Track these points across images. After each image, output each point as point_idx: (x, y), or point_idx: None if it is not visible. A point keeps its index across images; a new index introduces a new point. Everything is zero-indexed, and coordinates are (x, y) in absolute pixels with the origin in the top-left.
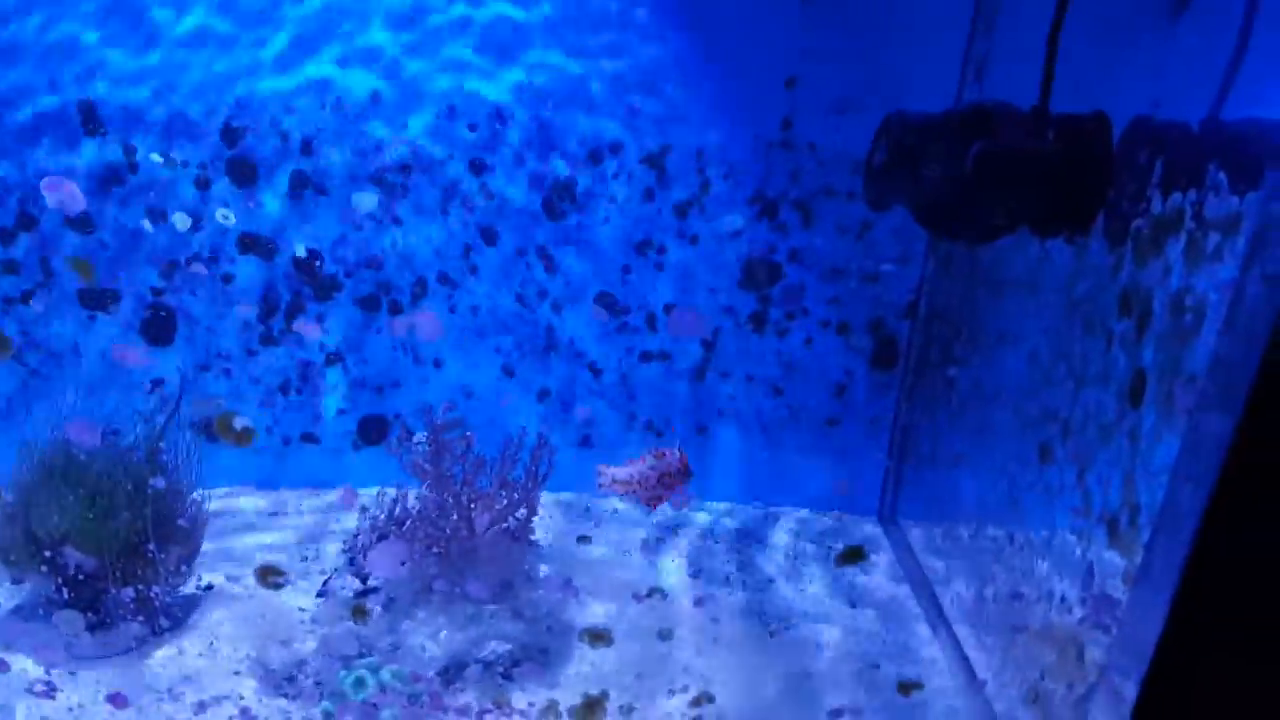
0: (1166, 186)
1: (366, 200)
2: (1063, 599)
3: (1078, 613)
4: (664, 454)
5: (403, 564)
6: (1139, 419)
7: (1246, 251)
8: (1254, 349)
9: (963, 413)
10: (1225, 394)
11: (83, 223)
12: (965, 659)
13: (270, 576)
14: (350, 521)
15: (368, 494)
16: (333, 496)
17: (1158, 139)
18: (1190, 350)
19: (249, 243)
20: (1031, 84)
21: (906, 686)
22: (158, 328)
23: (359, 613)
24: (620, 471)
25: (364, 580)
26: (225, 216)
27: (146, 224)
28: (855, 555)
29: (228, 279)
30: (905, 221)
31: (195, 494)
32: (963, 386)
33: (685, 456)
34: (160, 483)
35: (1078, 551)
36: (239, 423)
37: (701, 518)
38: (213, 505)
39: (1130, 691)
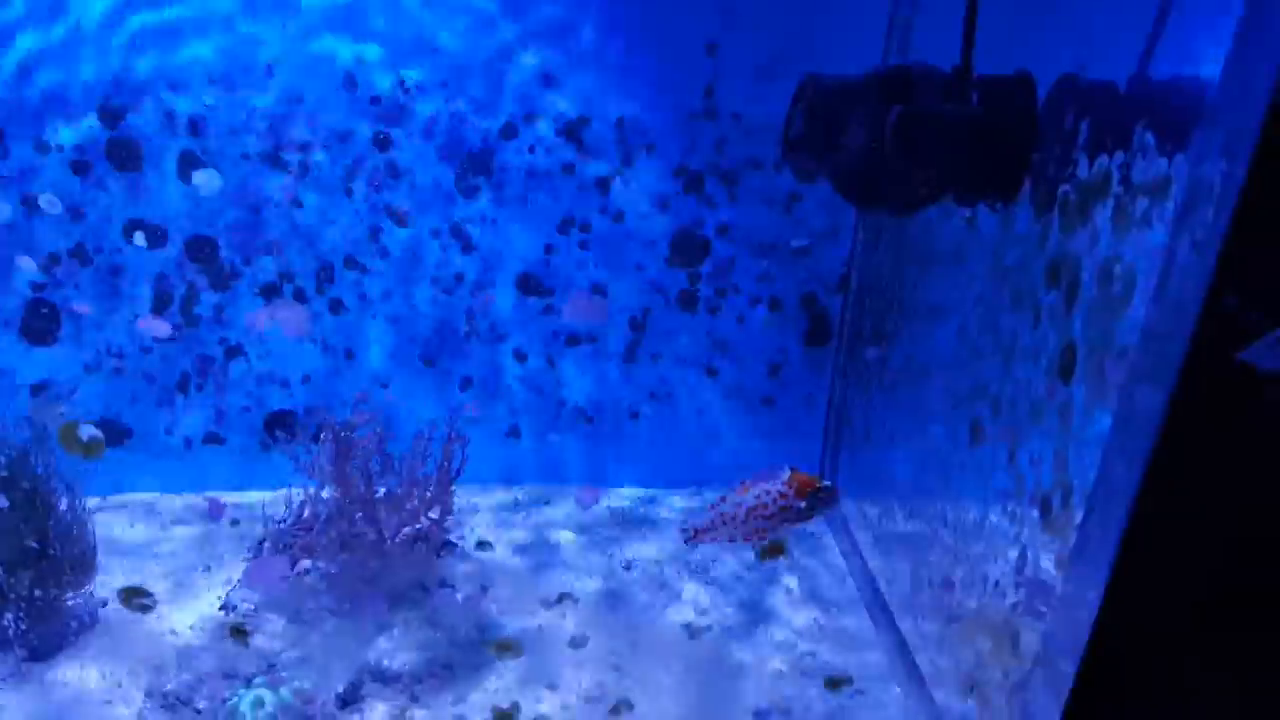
0: (1093, 149)
1: (208, 179)
2: (996, 584)
3: (1011, 598)
4: (747, 486)
5: (285, 578)
6: (1070, 395)
7: (1176, 216)
8: (1185, 320)
9: (895, 389)
10: (1157, 367)
11: None
12: (904, 645)
13: (135, 598)
14: (258, 527)
15: (276, 495)
16: (236, 498)
17: (1084, 99)
18: (1121, 322)
19: (135, 229)
20: (957, 46)
21: (836, 681)
22: (40, 325)
23: (238, 633)
24: (699, 521)
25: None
26: (51, 203)
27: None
28: (775, 550)
29: (116, 270)
30: (834, 193)
31: (66, 509)
32: (894, 362)
33: (801, 479)
34: (2, 501)
35: (1010, 534)
36: (85, 432)
37: (631, 507)
38: (108, 514)
39: (1066, 677)
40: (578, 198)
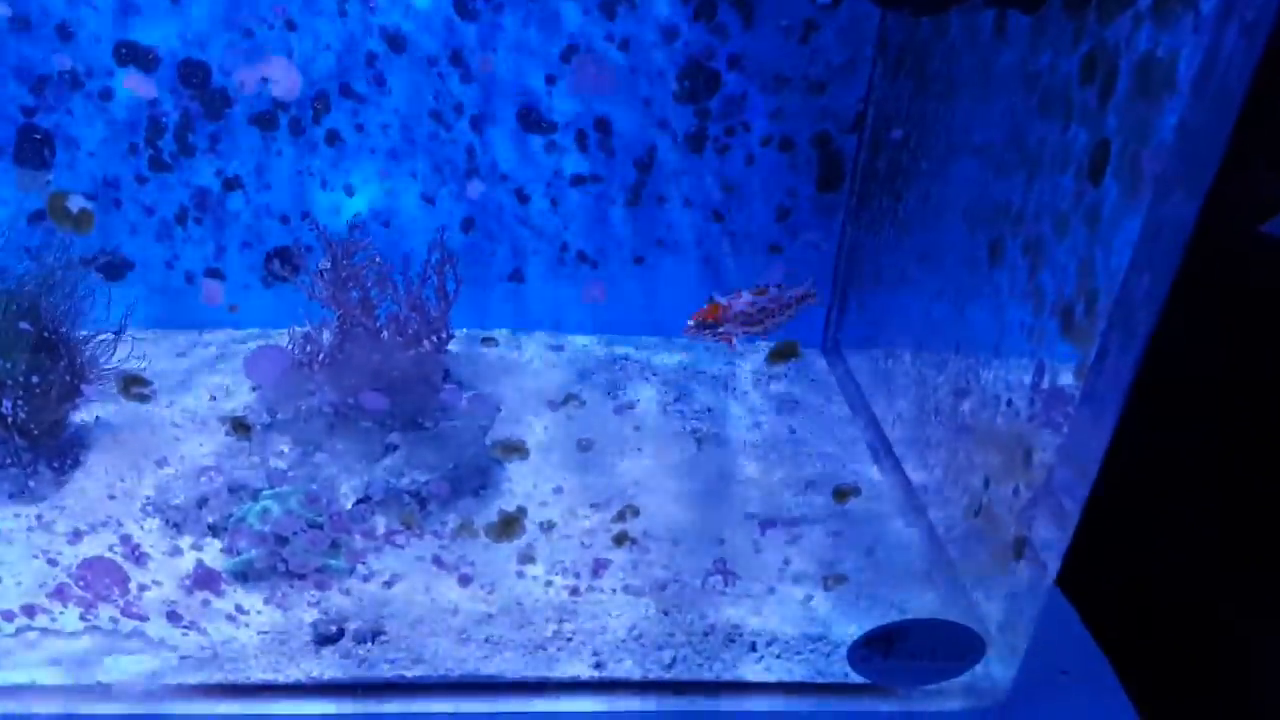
0: None
1: None
2: (1009, 403)
3: (1026, 413)
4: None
5: (283, 371)
6: (1099, 197)
7: None
8: (1227, 114)
9: (909, 228)
10: (1191, 170)
11: None
12: (907, 481)
13: (133, 386)
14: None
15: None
16: (240, 334)
17: None
18: (1159, 113)
19: (127, 53)
20: None
21: (844, 493)
22: (32, 152)
23: (243, 430)
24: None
25: (273, 415)
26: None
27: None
28: (787, 352)
29: (106, 95)
30: (853, 23)
31: (80, 335)
32: (910, 199)
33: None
34: (28, 325)
35: (1027, 351)
36: (74, 203)
37: (635, 352)
38: (113, 348)
39: (1081, 488)
40: (582, 22)
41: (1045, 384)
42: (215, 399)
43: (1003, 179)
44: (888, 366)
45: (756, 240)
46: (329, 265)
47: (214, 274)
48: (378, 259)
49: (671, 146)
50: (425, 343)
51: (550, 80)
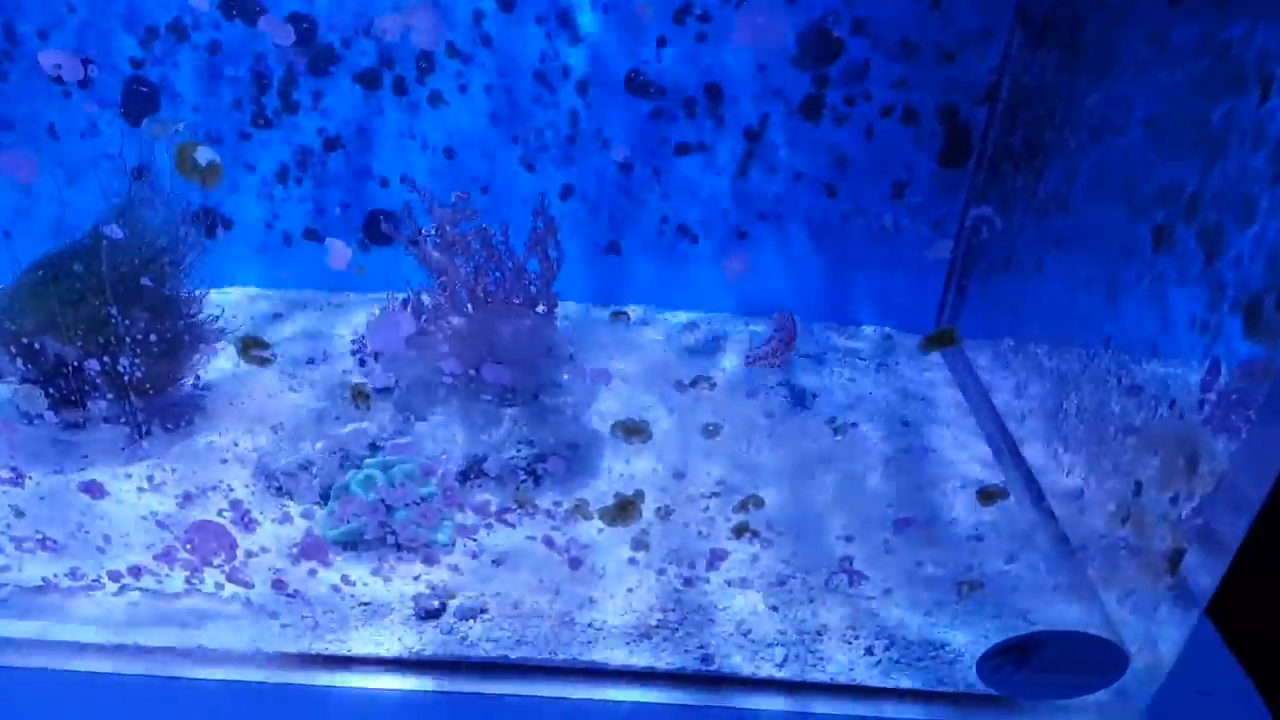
0: None
1: None
2: (1173, 404)
3: (1192, 417)
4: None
5: (407, 337)
6: None
7: None
8: None
9: (1049, 210)
10: None
11: None
12: (1034, 481)
13: (253, 349)
14: (360, 320)
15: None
16: (336, 300)
17: None
18: None
19: (234, 7)
20: None
21: (991, 494)
22: (139, 105)
23: (362, 398)
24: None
25: (391, 383)
26: None
27: None
28: (945, 339)
29: (214, 49)
30: None
31: (193, 292)
32: (1051, 179)
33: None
34: (149, 280)
35: (1198, 347)
36: (203, 155)
37: (741, 332)
38: (212, 306)
39: (1255, 498)
40: None
41: (1221, 384)
42: (314, 361)
43: (1172, 159)
44: (1015, 358)
45: (871, 217)
46: (435, 231)
47: (311, 235)
48: (485, 226)
49: (785, 114)
50: (532, 312)
51: (661, 42)
